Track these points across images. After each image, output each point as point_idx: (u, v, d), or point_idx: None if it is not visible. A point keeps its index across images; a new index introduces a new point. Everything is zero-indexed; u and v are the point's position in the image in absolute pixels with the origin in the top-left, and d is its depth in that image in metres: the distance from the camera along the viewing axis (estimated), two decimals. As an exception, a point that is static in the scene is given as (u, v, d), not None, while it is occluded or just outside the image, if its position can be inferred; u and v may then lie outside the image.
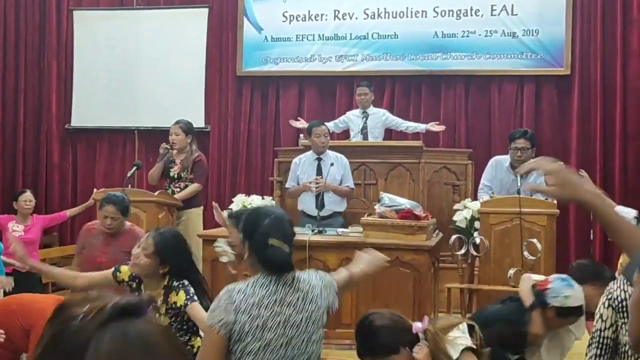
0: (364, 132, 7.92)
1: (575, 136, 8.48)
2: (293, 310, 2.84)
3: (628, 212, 5.42)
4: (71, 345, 1.22)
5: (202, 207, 7.32)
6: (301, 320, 2.85)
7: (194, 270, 3.99)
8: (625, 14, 8.32)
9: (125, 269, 4.04)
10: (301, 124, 8.23)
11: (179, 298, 3.80)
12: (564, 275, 3.89)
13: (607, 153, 8.35)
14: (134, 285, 4.01)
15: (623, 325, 3.11)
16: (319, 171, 6.86)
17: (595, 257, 8.26)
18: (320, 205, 6.65)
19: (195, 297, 3.84)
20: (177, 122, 7.15)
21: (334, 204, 6.85)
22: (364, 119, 7.95)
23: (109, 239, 5.27)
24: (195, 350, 3.90)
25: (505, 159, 6.59)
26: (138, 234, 5.39)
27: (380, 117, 8.05)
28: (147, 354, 1.23)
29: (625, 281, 3.13)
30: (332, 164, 6.72)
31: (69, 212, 7.82)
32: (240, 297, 2.78)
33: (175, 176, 7.01)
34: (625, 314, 3.06)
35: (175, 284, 3.84)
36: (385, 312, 3.34)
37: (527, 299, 3.86)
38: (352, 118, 8.06)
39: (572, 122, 8.51)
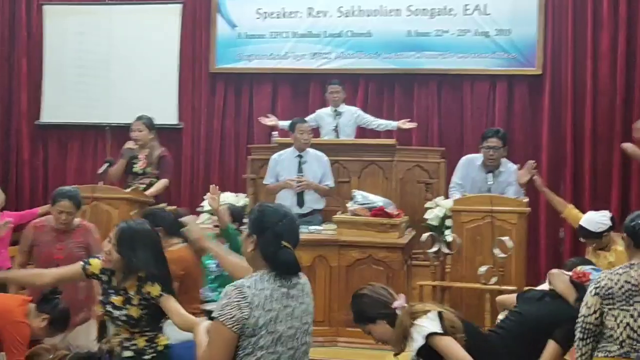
0: (336, 130, 7.93)
1: (546, 136, 8.55)
2: (296, 302, 2.87)
3: (604, 215, 5.47)
4: None
5: (166, 204, 7.24)
6: (302, 312, 2.90)
7: (161, 265, 3.88)
8: (596, 15, 8.39)
9: (95, 262, 3.97)
10: (271, 121, 8.22)
11: (155, 288, 3.75)
12: (592, 266, 4.24)
13: (577, 153, 8.43)
14: (105, 278, 3.92)
15: (609, 312, 3.45)
16: (300, 169, 6.85)
17: (565, 255, 8.35)
18: (299, 202, 6.66)
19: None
20: (139, 118, 7.10)
21: (313, 202, 6.86)
22: (337, 117, 7.97)
23: (62, 235, 5.24)
24: (161, 348, 3.88)
25: (477, 158, 6.64)
26: (90, 229, 5.42)
27: (352, 115, 8.08)
28: None
29: (612, 271, 3.57)
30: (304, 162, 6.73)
31: (41, 210, 7.71)
32: (252, 292, 2.76)
33: (140, 172, 6.95)
34: (611, 301, 3.44)
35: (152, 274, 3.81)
36: (376, 285, 3.77)
37: (571, 294, 3.90)
38: (323, 116, 8.07)
39: (544, 122, 8.58)
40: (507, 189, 6.35)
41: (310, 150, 6.96)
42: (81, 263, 4.01)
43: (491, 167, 6.48)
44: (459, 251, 5.84)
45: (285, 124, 7.92)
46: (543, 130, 8.58)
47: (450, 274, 5.97)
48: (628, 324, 3.42)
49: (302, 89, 9.30)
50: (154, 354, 3.86)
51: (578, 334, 3.54)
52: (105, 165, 6.70)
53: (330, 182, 6.98)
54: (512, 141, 7.81)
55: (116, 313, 3.82)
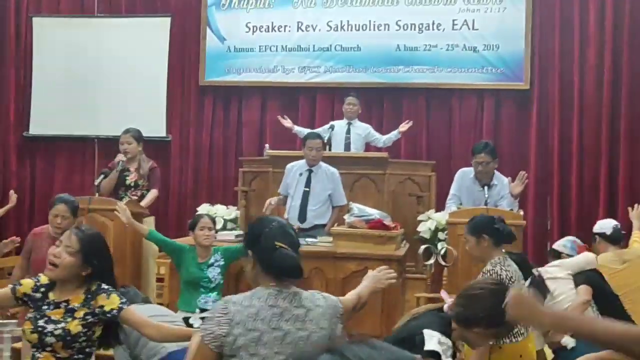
0: (346, 143, 7.93)
1: (533, 150, 8.65)
2: (292, 327, 2.68)
3: (609, 222, 5.56)
4: None
5: (153, 217, 7.22)
6: (298, 338, 2.68)
7: (113, 277, 3.55)
8: (582, 30, 8.52)
9: (26, 282, 3.48)
10: (288, 122, 8.18)
11: (111, 302, 3.37)
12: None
13: (564, 167, 8.53)
14: (39, 295, 3.43)
15: None
16: (308, 183, 6.80)
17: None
18: (302, 217, 6.63)
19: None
20: (127, 131, 7.07)
21: (316, 217, 6.76)
22: (349, 130, 7.99)
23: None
24: None
25: (470, 171, 6.68)
26: None
27: (364, 131, 8.07)
28: None
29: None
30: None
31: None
32: (236, 309, 2.63)
33: (132, 184, 6.94)
34: None
35: (104, 287, 3.42)
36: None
37: None
38: (336, 129, 7.99)
39: (531, 136, 8.68)
40: (500, 201, 6.40)
41: (323, 165, 6.84)
42: (10, 285, 3.52)
43: (483, 181, 6.52)
44: (455, 263, 5.87)
45: (299, 129, 7.92)
46: (530, 144, 8.67)
47: (446, 286, 5.98)
48: None
49: (291, 102, 9.32)
50: None
51: None
52: (101, 176, 6.67)
53: (341, 200, 6.85)
54: (499, 155, 7.78)
55: (49, 328, 3.33)
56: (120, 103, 9.55)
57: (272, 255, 2.71)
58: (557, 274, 4.72)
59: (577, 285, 4.71)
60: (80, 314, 3.36)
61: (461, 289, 5.73)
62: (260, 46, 9.39)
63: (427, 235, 6.88)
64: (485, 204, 6.07)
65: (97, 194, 6.48)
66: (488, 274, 4.16)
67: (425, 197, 7.52)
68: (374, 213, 5.99)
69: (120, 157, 6.99)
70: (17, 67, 10.05)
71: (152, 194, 6.94)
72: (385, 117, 9.04)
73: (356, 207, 6.06)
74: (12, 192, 7.34)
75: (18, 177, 10.00)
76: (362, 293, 3.33)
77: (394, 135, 8.07)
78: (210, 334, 2.60)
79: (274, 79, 9.35)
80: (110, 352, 4.12)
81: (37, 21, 10.00)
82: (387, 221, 5.96)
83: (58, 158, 10.02)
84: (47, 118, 9.89)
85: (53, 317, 3.35)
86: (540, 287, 4.57)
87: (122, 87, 9.61)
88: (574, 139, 8.48)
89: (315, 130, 7.61)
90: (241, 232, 6.60)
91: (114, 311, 3.36)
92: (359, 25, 9.10)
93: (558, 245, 5.30)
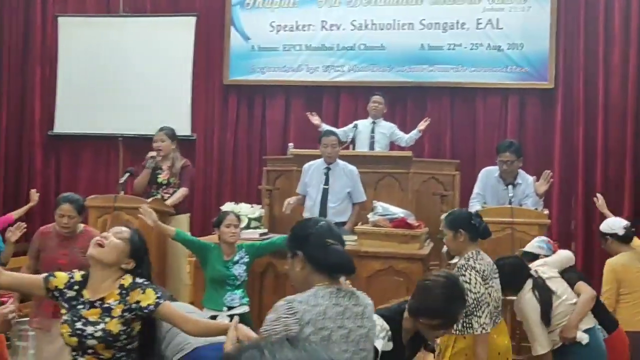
0: (371, 142, 7.93)
1: (558, 149, 8.60)
2: (354, 325, 2.70)
3: (619, 222, 5.56)
4: None
5: (189, 214, 7.27)
6: (360, 336, 2.72)
7: (151, 278, 3.46)
8: (607, 30, 8.47)
9: (61, 275, 3.35)
10: (316, 119, 8.18)
11: (147, 297, 3.25)
12: None
13: (589, 166, 8.48)
14: (72, 293, 3.32)
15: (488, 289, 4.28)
16: (327, 181, 6.82)
17: (578, 253, 8.39)
18: (322, 215, 6.63)
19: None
20: (161, 129, 7.11)
21: (336, 215, 6.75)
22: (373, 129, 7.98)
23: (66, 241, 5.30)
24: None
25: (494, 170, 6.67)
26: (94, 235, 5.34)
27: (389, 130, 8.06)
28: None
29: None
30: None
31: (15, 214, 7.66)
32: (303, 308, 2.59)
33: (164, 182, 6.98)
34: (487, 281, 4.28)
35: (138, 281, 3.32)
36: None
37: None
38: (360, 128, 8.01)
39: (555, 136, 8.63)
40: (525, 200, 6.39)
41: (341, 163, 6.89)
42: (44, 274, 3.40)
43: (508, 180, 6.51)
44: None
45: (327, 128, 7.96)
46: (555, 143, 8.63)
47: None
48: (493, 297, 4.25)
49: (315, 101, 9.31)
50: None
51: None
52: (126, 174, 6.70)
53: (360, 197, 6.89)
54: (524, 154, 7.83)
55: (89, 330, 3.22)
56: (145, 102, 9.62)
57: (325, 252, 2.70)
58: (550, 274, 4.75)
59: (571, 282, 4.74)
60: (117, 311, 3.25)
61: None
62: (284, 45, 9.42)
63: (449, 236, 6.85)
64: (510, 202, 6.06)
65: (121, 192, 6.50)
66: (463, 268, 4.27)
67: (450, 196, 7.49)
68: (398, 212, 5.99)
69: (152, 154, 7.01)
70: (43, 66, 10.15)
71: (181, 192, 6.97)
72: (409, 116, 9.03)
73: (380, 205, 6.06)
74: (33, 191, 7.38)
75: (43, 176, 10.10)
76: None
77: (414, 134, 8.05)
78: (278, 335, 2.52)
79: (298, 78, 9.37)
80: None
81: (62, 20, 10.09)
82: (411, 220, 5.96)
83: (83, 156, 10.11)
84: (72, 116, 9.97)
85: (90, 319, 3.24)
86: (543, 288, 4.63)
87: (147, 86, 9.68)
88: (598, 138, 8.42)
89: (337, 129, 7.64)
90: (265, 231, 6.62)
91: (151, 306, 3.24)
92: (383, 24, 9.09)
93: (533, 247, 5.24)
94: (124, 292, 3.27)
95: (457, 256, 4.58)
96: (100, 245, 3.30)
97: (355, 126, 7.95)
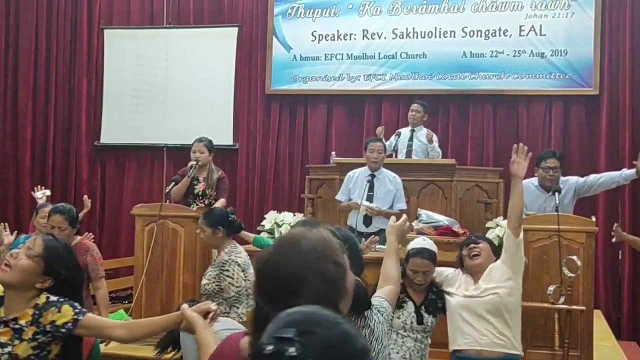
0: (408, 150, 7.86)
1: (603, 156, 8.47)
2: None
3: None
4: None
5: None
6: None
7: (81, 296, 3.08)
8: (653, 35, 8.35)
9: None
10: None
11: (63, 315, 2.87)
12: None
13: (635, 174, 8.32)
14: None
15: None
16: (371, 188, 6.78)
17: (623, 275, 8.25)
18: (367, 222, 6.60)
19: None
20: (200, 140, 7.11)
21: (381, 222, 6.69)
22: (412, 137, 7.91)
23: None
24: None
25: (531, 182, 6.54)
26: (89, 247, 5.24)
27: (426, 137, 7.88)
28: None
29: None
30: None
31: None
32: None
33: (200, 193, 7.00)
34: None
35: (52, 299, 2.92)
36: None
37: None
38: (402, 137, 7.96)
39: (601, 142, 8.51)
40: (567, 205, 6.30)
41: (384, 170, 6.80)
42: None
43: (554, 187, 6.39)
44: (525, 270, 5.76)
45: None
46: (600, 150, 8.50)
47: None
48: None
49: (357, 110, 9.32)
50: None
51: None
52: (172, 184, 6.73)
53: (401, 204, 6.76)
54: (568, 162, 7.75)
55: None
56: (188, 112, 9.69)
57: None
58: None
59: None
60: (28, 334, 2.87)
61: (530, 296, 5.67)
62: (325, 54, 9.42)
63: (495, 243, 6.76)
64: (556, 210, 5.93)
65: (167, 202, 6.54)
66: (228, 264, 4.63)
67: (494, 204, 7.41)
68: (442, 219, 5.95)
69: (192, 163, 7.03)
70: (89, 78, 10.29)
71: (220, 203, 6.98)
72: (452, 124, 8.98)
73: (424, 213, 6.02)
74: (85, 197, 7.43)
75: (89, 185, 10.20)
76: (393, 265, 3.31)
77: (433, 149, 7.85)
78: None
79: (340, 87, 9.37)
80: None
81: (108, 32, 10.23)
82: (456, 228, 5.91)
83: (128, 166, 10.21)
84: (117, 127, 10.09)
85: (1, 339, 2.88)
86: None
87: (191, 96, 9.75)
88: (645, 145, 8.27)
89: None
90: None
91: (69, 324, 2.86)
92: (425, 32, 9.05)
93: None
94: (36, 312, 2.89)
95: (216, 250, 4.99)
96: (8, 265, 2.91)
97: (398, 134, 7.91)
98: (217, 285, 4.68)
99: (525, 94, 8.77)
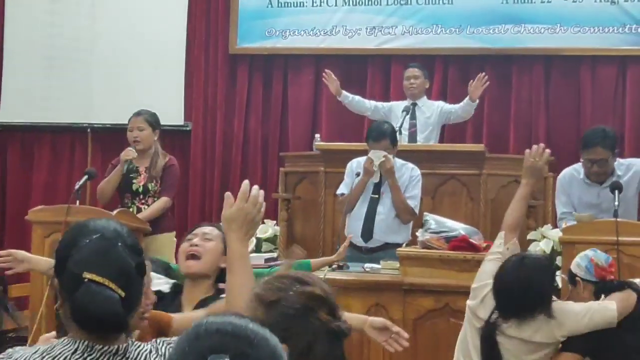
0: (411, 130, 7.86)
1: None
2: None
3: None
4: None
5: (174, 232, 7.29)
6: None
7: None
8: None
9: None
10: (334, 85, 8.25)
11: None
12: None
13: None
14: None
15: None
16: (377, 188, 6.69)
17: None
18: (367, 234, 6.62)
19: None
20: (138, 114, 7.16)
21: (386, 232, 6.69)
22: (408, 113, 7.85)
23: None
24: None
25: (577, 170, 6.54)
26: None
27: (435, 111, 8.02)
28: None
29: None
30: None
31: None
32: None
33: (140, 189, 7.03)
34: None
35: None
36: None
37: None
38: (395, 110, 8.01)
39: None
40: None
41: (398, 161, 6.78)
42: None
43: (605, 183, 6.35)
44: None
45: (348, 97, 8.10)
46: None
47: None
48: None
49: (357, 76, 9.35)
50: None
51: None
52: (84, 178, 6.75)
53: (413, 203, 6.74)
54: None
55: None
56: (122, 81, 9.74)
57: (74, 292, 2.31)
58: None
59: None
60: None
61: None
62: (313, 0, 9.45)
63: (542, 259, 6.80)
64: (616, 214, 5.90)
65: (77, 202, 6.53)
66: None
67: (539, 207, 7.40)
68: (457, 228, 5.93)
69: (129, 152, 7.01)
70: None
71: (160, 203, 7.01)
72: (487, 94, 8.81)
73: (433, 219, 6.00)
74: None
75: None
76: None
77: (467, 103, 7.98)
78: None
79: (333, 44, 9.41)
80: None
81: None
82: (477, 239, 5.90)
83: (38, 154, 10.21)
84: (23, 102, 10.09)
85: None
86: None
87: (125, 60, 9.81)
88: None
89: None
90: (274, 255, 6.64)
91: None
92: (452, -32, 9.09)
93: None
94: None
95: None
96: (195, 258, 3.81)
97: (407, 110, 7.86)
98: None
99: (589, 55, 8.83)
